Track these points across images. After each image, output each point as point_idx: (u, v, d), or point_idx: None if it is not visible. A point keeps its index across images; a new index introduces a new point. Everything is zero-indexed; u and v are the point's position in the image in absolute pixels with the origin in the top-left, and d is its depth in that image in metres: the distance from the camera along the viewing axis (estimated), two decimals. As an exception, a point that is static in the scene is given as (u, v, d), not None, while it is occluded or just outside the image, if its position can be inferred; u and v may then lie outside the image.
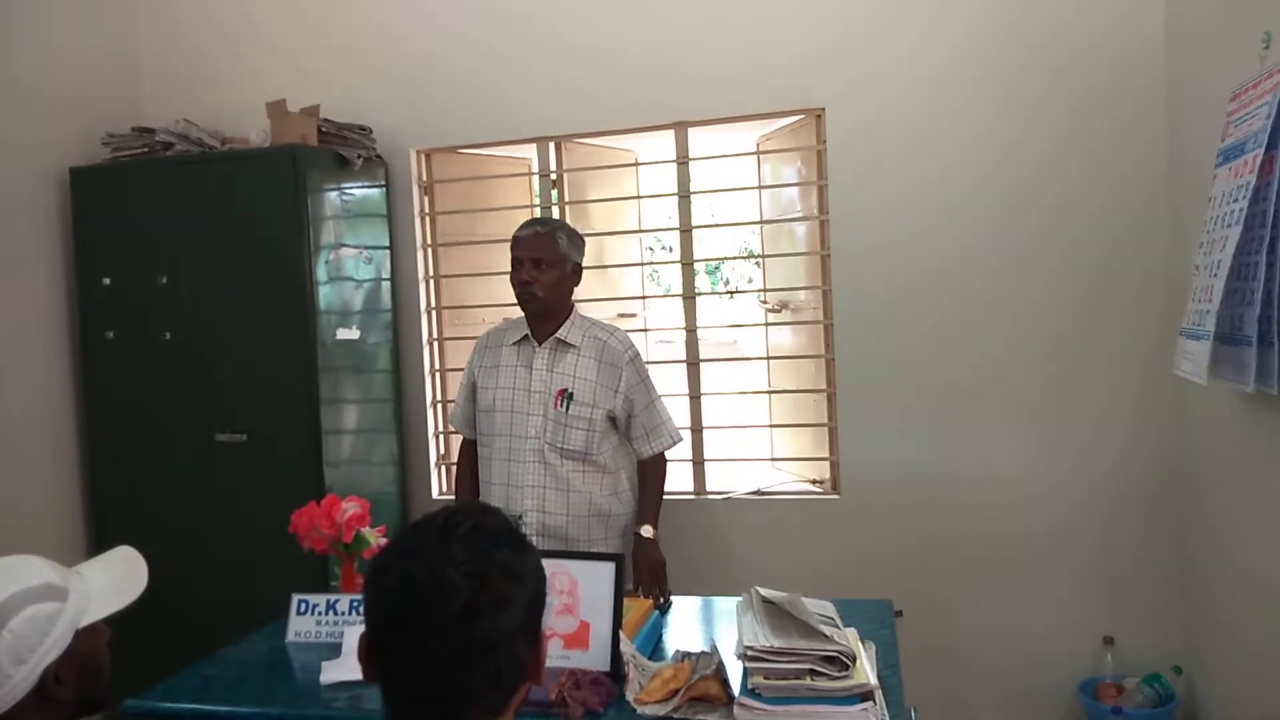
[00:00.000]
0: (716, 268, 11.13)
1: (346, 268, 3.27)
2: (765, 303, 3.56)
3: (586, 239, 2.66)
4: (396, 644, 1.00)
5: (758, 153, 3.53)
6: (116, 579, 1.32)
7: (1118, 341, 2.99)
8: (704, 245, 3.57)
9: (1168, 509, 2.96)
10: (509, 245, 2.56)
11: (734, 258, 8.09)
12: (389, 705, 1.04)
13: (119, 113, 3.54)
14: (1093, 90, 2.95)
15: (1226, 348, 2.11)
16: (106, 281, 3.27)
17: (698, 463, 3.40)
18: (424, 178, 3.59)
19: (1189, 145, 2.72)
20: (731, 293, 8.41)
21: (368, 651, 1.04)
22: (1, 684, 1.14)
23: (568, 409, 2.48)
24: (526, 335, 2.57)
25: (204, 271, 3.17)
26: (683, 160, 3.35)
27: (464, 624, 0.98)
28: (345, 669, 1.95)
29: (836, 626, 1.79)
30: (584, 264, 2.61)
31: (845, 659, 1.66)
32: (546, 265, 2.49)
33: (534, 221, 2.63)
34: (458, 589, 0.98)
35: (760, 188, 3.52)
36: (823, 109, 3.17)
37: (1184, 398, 2.82)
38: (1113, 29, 2.93)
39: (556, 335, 2.54)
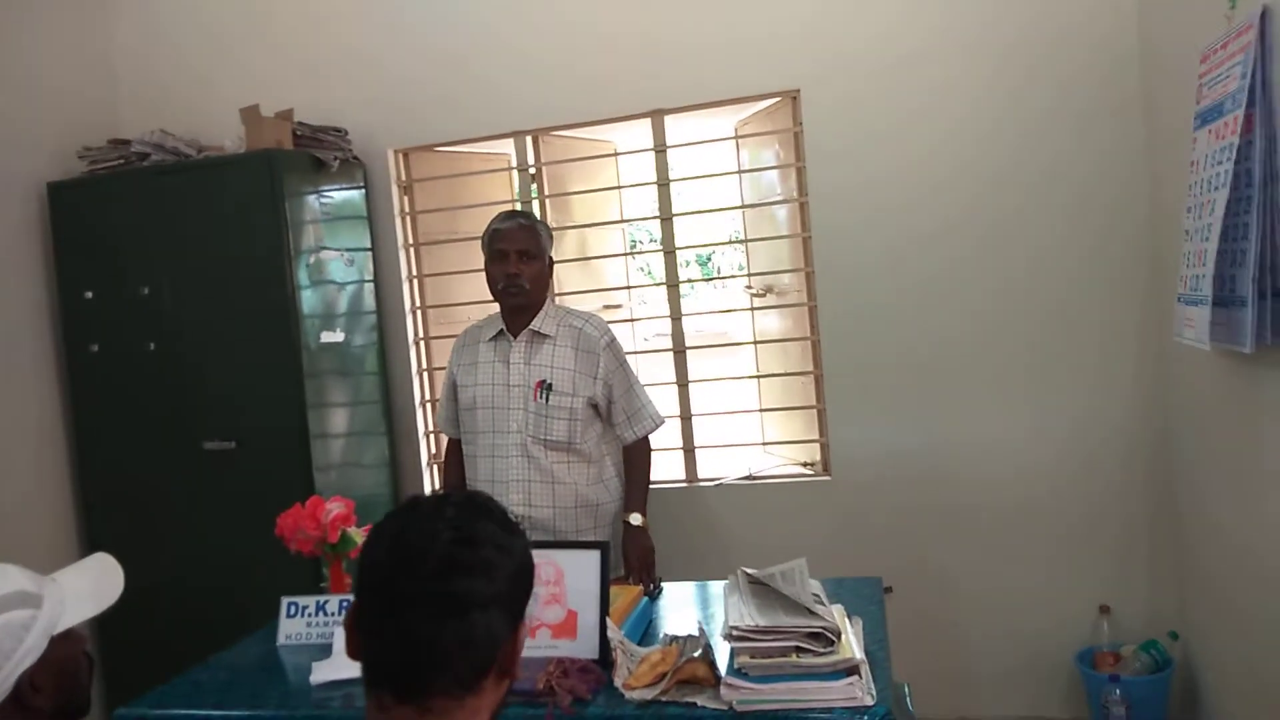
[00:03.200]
0: (709, 257, 11.11)
1: (328, 271, 3.27)
2: (750, 288, 3.56)
3: (569, 232, 2.65)
4: (379, 601, 1.01)
5: (736, 137, 3.52)
6: (91, 584, 1.32)
7: (1105, 311, 2.99)
8: (691, 233, 3.56)
9: (1159, 476, 2.96)
10: (484, 239, 2.55)
11: (717, 244, 8.07)
12: (367, 672, 1.04)
13: (94, 125, 3.54)
14: (1068, 63, 2.95)
15: (1221, 310, 2.10)
16: (89, 295, 3.26)
17: (689, 450, 3.40)
18: (403, 177, 3.59)
19: (1165, 111, 2.72)
20: (721, 279, 8.40)
21: (353, 619, 1.05)
22: None
23: (548, 400, 2.48)
24: (502, 330, 2.56)
25: (186, 281, 3.17)
26: (661, 148, 3.35)
27: (442, 578, 0.99)
28: (336, 668, 1.95)
29: (822, 603, 1.79)
30: (569, 257, 2.61)
31: (830, 635, 1.66)
32: (531, 258, 2.48)
33: (515, 214, 2.62)
34: (440, 542, 1.01)
35: (740, 172, 3.52)
36: (798, 90, 3.16)
37: (1173, 364, 2.82)
38: (1084, 3, 2.92)
39: (531, 327, 2.53)
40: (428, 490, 3.60)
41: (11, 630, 1.18)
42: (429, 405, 3.63)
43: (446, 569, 1.00)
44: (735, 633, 1.68)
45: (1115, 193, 2.95)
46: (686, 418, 3.39)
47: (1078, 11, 2.94)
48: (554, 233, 2.77)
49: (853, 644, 1.69)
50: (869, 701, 1.59)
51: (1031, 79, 2.98)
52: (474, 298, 3.50)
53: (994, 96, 3.02)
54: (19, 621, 1.19)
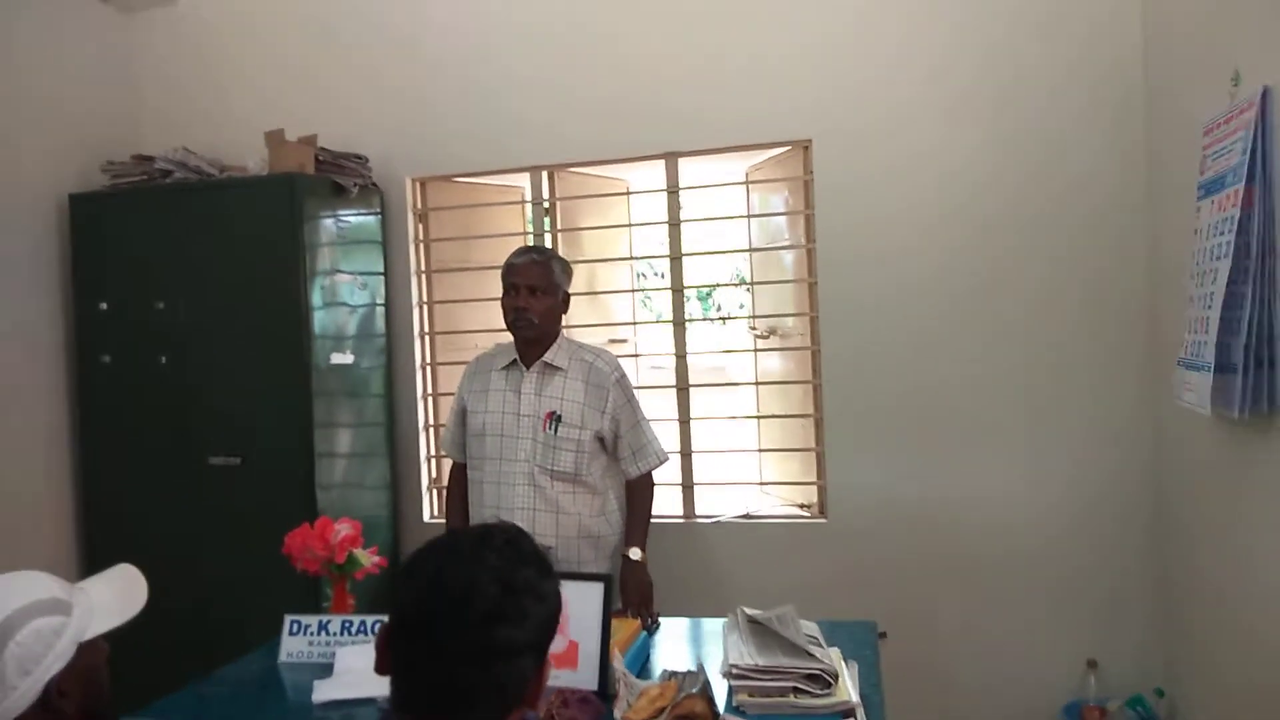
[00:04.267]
0: (709, 294, 11.19)
1: (341, 293, 3.32)
2: (754, 329, 3.62)
3: (579, 266, 2.71)
4: (417, 636, 1.05)
5: (746, 182, 3.60)
6: (117, 595, 1.36)
7: (1099, 368, 3.05)
8: (695, 272, 3.63)
9: (1149, 533, 3.00)
10: (501, 271, 2.61)
11: (724, 285, 8.16)
12: (396, 697, 1.08)
13: (118, 141, 3.61)
14: (1070, 116, 3.03)
15: (1218, 376, 2.17)
16: (104, 306, 3.31)
17: (687, 486, 3.44)
18: (419, 205, 3.66)
19: (1167, 172, 2.79)
20: (724, 319, 8.47)
21: (386, 641, 1.08)
22: (7, 695, 1.18)
23: (556, 431, 2.53)
24: (515, 360, 2.62)
25: (201, 297, 3.21)
26: (673, 189, 3.42)
27: (485, 627, 1.03)
28: (337, 688, 1.98)
29: (820, 645, 1.83)
30: (576, 290, 2.67)
31: (828, 677, 1.70)
32: (541, 292, 2.54)
33: (529, 249, 2.68)
34: (486, 593, 1.04)
35: (749, 216, 3.59)
36: (810, 140, 3.24)
37: (1167, 423, 2.88)
38: (1089, 56, 3.01)
39: (544, 359, 2.58)
40: (426, 514, 3.63)
41: (43, 636, 1.22)
42: (432, 430, 3.67)
43: (487, 620, 1.04)
44: (735, 671, 1.72)
45: (1114, 247, 3.02)
46: (687, 454, 3.43)
47: (1080, 63, 3.01)
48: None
49: (849, 687, 1.73)
50: (864, 743, 1.63)
51: (1030, 131, 3.05)
52: (482, 326, 3.56)
53: (993, 148, 3.08)
54: (50, 628, 1.23)
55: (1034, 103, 3.05)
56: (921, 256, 3.16)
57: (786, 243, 3.49)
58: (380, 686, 1.87)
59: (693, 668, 1.90)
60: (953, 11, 3.11)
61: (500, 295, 2.61)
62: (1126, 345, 3.02)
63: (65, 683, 1.23)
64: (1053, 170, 3.05)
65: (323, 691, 1.98)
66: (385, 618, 2.21)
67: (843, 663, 1.84)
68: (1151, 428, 2.98)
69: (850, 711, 1.66)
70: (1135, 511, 3.02)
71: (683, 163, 3.42)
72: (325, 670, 2.10)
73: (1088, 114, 3.02)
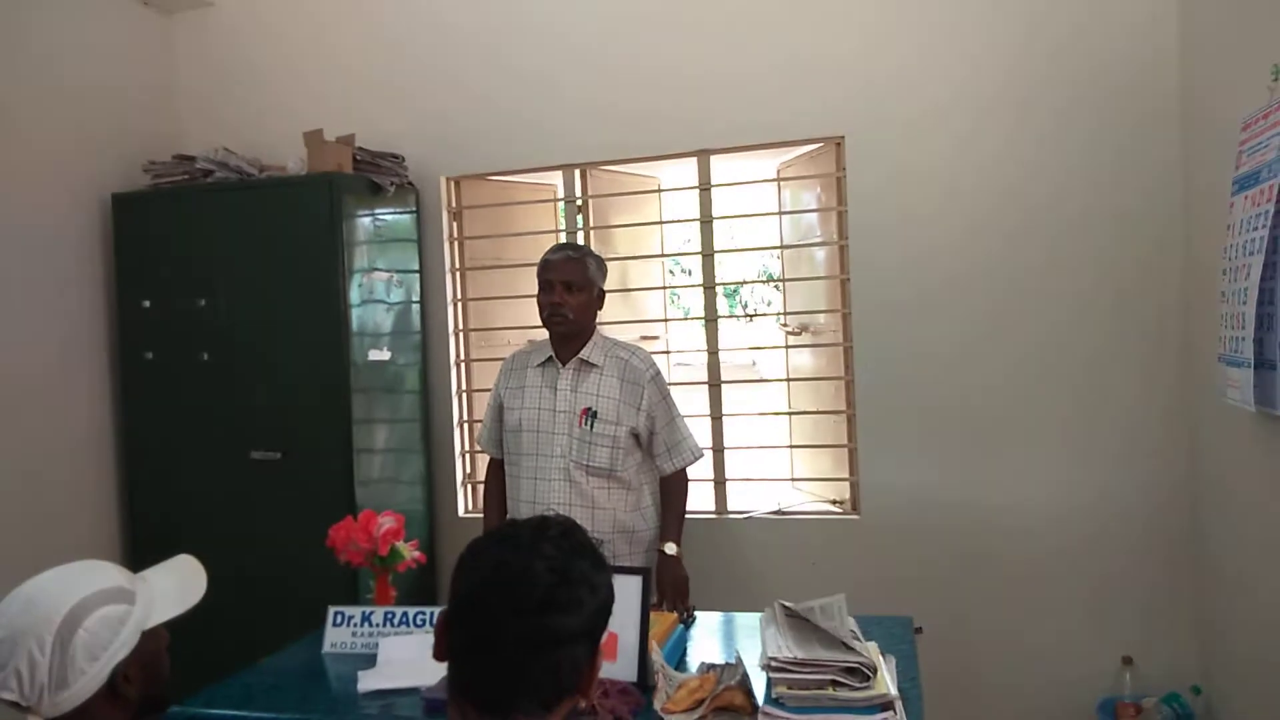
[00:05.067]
0: (735, 291, 11.19)
1: (378, 290, 3.37)
2: (785, 325, 3.63)
3: (611, 263, 2.74)
4: (474, 622, 1.09)
5: (778, 179, 3.61)
6: (178, 585, 1.40)
7: (1136, 365, 3.03)
8: (724, 268, 3.65)
9: (1186, 530, 2.99)
10: (536, 268, 2.64)
11: (754, 281, 8.17)
12: (453, 682, 1.11)
13: (159, 141, 3.68)
14: (1107, 113, 3.02)
15: (1259, 373, 2.16)
16: (146, 304, 3.38)
17: (719, 482, 3.46)
18: (453, 204, 3.70)
19: (1203, 169, 2.78)
20: (750, 316, 8.48)
21: (445, 627, 1.12)
22: (76, 679, 1.22)
23: (592, 427, 2.56)
24: (551, 357, 2.65)
25: (241, 294, 3.27)
26: (705, 186, 3.44)
27: (540, 615, 1.07)
28: (381, 678, 2.01)
29: (858, 639, 1.84)
30: (608, 288, 2.70)
31: (866, 670, 1.71)
32: (576, 289, 2.57)
33: (565, 246, 2.71)
34: (541, 581, 1.07)
35: (780, 213, 3.60)
36: (842, 137, 3.25)
37: (1202, 421, 2.87)
38: (1125, 53, 2.99)
39: (580, 356, 2.61)
40: (460, 509, 3.68)
41: (109, 623, 1.26)
42: (466, 425, 3.71)
43: (544, 607, 1.07)
44: (774, 663, 1.74)
45: (1150, 245, 3.00)
46: (719, 450, 3.45)
47: (1116, 60, 3.00)
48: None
49: (888, 681, 1.74)
50: (903, 737, 1.64)
51: (1066, 128, 3.04)
52: (516, 323, 3.60)
53: (1028, 145, 3.07)
54: (116, 616, 1.27)
55: (1068, 99, 3.04)
56: (955, 254, 3.15)
57: (819, 239, 3.49)
58: (423, 677, 1.94)
59: (730, 660, 1.92)
60: (987, 8, 3.10)
61: (535, 292, 2.64)
62: (1163, 343, 3.00)
63: (130, 668, 1.28)
64: (1088, 168, 3.04)
65: (367, 681, 2.02)
66: (427, 609, 2.26)
67: (880, 656, 1.86)
68: (1188, 425, 2.96)
69: (889, 705, 1.68)
70: (1172, 508, 3.01)
71: (714, 159, 3.43)
72: (369, 661, 2.14)
73: (1123, 112, 3.00)
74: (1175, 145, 2.96)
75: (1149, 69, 2.98)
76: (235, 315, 3.28)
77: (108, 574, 1.31)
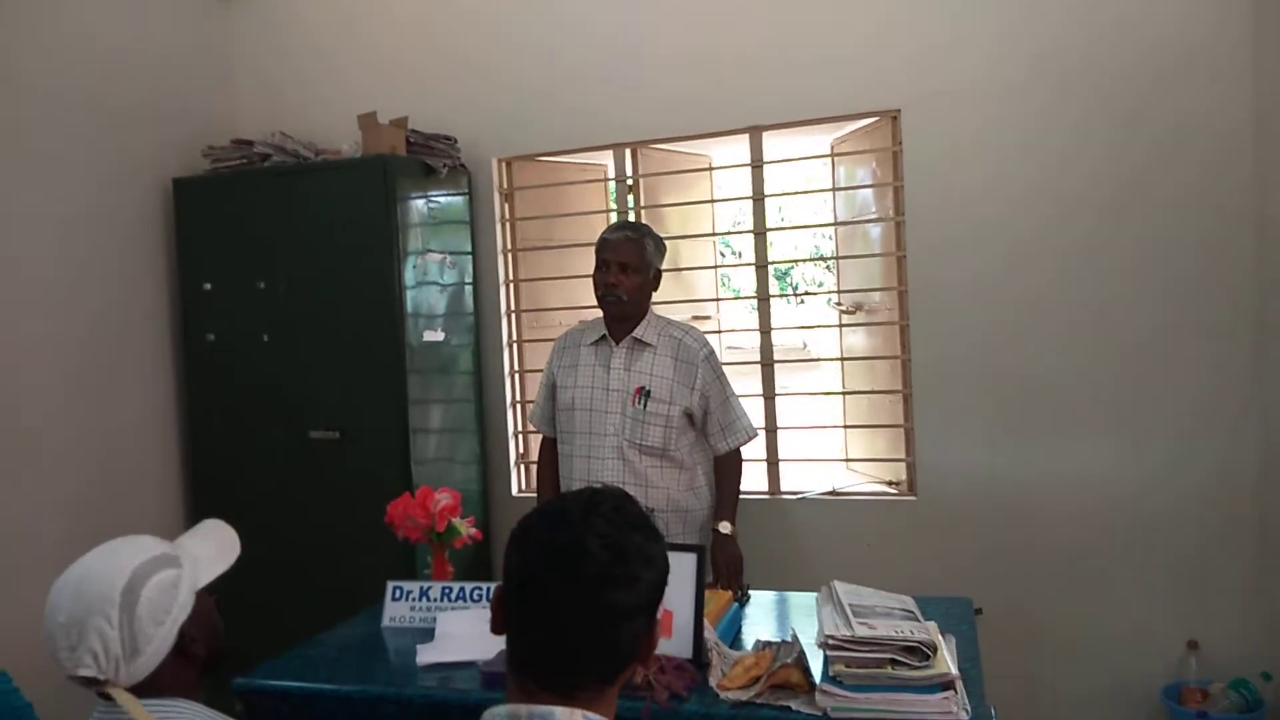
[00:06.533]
0: (787, 272, 11.11)
1: (432, 272, 3.40)
2: (839, 304, 3.59)
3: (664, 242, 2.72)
4: (530, 600, 1.08)
5: (832, 155, 3.55)
6: (213, 546, 1.44)
7: (1203, 346, 2.94)
8: (775, 249, 3.61)
9: (1253, 513, 2.90)
10: (594, 247, 2.64)
11: (807, 259, 8.06)
12: (512, 656, 1.12)
13: (217, 126, 3.74)
14: (1176, 92, 2.91)
15: None
16: (208, 287, 3.45)
17: (772, 463, 3.44)
18: (504, 185, 3.71)
19: (1277, 134, 2.67)
20: (801, 296, 8.38)
21: (501, 603, 1.12)
22: (148, 645, 1.27)
23: (645, 406, 2.55)
24: (604, 335, 2.65)
25: (299, 277, 3.32)
26: (757, 164, 3.40)
27: (595, 591, 1.06)
28: (440, 651, 2.04)
29: (916, 619, 1.82)
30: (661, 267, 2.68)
31: (926, 649, 1.68)
32: (632, 270, 2.56)
33: (625, 225, 2.70)
34: (595, 557, 1.06)
35: (835, 189, 3.55)
36: (898, 110, 3.18)
37: (1274, 400, 2.77)
38: (1198, 35, 2.89)
39: (633, 335, 2.61)
40: (514, 488, 3.71)
41: (165, 588, 1.30)
42: (519, 406, 3.73)
43: (599, 584, 1.06)
44: (832, 642, 1.72)
45: (1218, 216, 2.90)
46: (772, 430, 3.43)
47: (1185, 25, 2.89)
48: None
49: (948, 660, 1.72)
50: (964, 717, 1.61)
51: (1137, 104, 2.95)
52: (567, 303, 3.61)
53: (1095, 123, 2.99)
54: (170, 580, 1.31)
55: (1131, 65, 2.94)
56: (1015, 228, 3.08)
57: (874, 216, 3.44)
58: (480, 650, 1.96)
59: (786, 638, 1.91)
60: (1048, -26, 3.01)
61: (586, 272, 2.64)
62: (1233, 320, 2.91)
63: (193, 628, 1.33)
64: (1151, 135, 2.94)
65: (426, 655, 2.04)
66: (483, 585, 2.28)
67: (940, 636, 1.83)
68: (1260, 404, 2.86)
69: (950, 684, 1.65)
70: (1238, 491, 2.92)
71: (766, 136, 3.39)
72: (427, 635, 2.16)
73: (1189, 75, 2.89)
74: (1247, 107, 2.85)
75: (1219, 28, 2.87)
76: (294, 297, 3.33)
77: (146, 545, 1.35)
